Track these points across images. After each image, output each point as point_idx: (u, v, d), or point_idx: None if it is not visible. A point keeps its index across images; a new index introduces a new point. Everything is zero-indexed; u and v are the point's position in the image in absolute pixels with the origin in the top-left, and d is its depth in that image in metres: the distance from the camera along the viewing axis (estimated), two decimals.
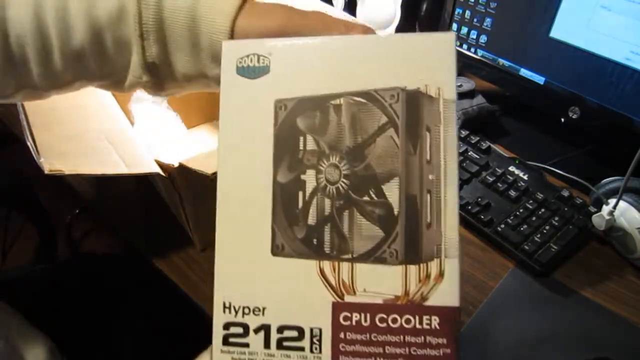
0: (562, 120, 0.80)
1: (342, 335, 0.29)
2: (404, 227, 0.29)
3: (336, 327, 0.29)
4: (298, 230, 0.30)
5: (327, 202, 0.30)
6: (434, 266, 0.29)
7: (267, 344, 0.30)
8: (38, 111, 0.55)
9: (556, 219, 0.68)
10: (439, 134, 0.29)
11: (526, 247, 0.65)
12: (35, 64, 0.36)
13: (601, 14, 0.71)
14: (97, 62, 0.37)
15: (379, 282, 0.29)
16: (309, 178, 0.30)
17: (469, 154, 0.78)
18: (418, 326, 0.29)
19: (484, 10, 0.84)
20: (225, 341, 0.31)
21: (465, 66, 0.93)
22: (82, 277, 0.75)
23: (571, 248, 0.67)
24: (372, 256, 0.29)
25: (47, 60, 0.36)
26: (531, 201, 0.71)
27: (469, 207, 0.71)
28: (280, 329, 0.30)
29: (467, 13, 0.87)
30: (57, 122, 0.56)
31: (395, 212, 0.29)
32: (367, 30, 0.32)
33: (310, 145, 0.30)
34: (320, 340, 0.30)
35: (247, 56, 0.31)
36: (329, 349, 0.29)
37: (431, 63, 0.29)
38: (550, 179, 0.78)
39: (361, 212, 0.29)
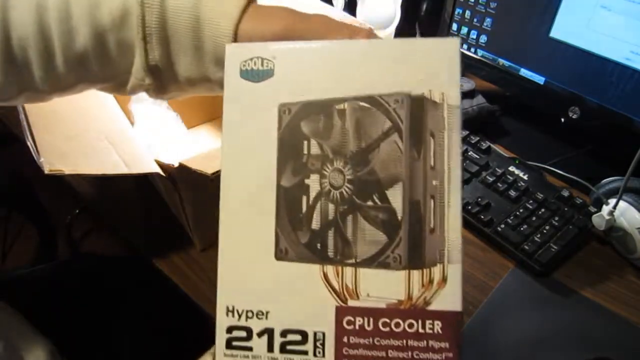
0: (562, 120, 0.80)
1: (345, 339, 0.29)
2: (407, 233, 0.29)
3: (339, 331, 0.30)
4: (302, 235, 0.30)
5: (331, 206, 0.30)
6: (437, 271, 0.29)
7: (270, 348, 0.30)
8: (38, 111, 0.55)
9: (556, 219, 0.68)
10: (442, 140, 0.29)
11: (526, 247, 0.66)
12: (38, 67, 0.36)
13: (601, 14, 0.71)
14: (100, 64, 0.37)
15: (383, 286, 0.29)
16: (313, 182, 0.30)
17: (469, 154, 0.78)
18: (421, 330, 0.29)
19: (484, 10, 0.84)
20: (229, 345, 0.31)
21: (465, 66, 0.93)
22: (82, 277, 0.75)
23: (571, 248, 0.67)
24: (376, 261, 0.29)
25: (50, 62, 0.36)
26: (531, 201, 0.71)
27: (469, 207, 0.71)
28: (284, 333, 0.30)
29: (467, 13, 0.87)
30: (57, 122, 0.56)
31: (399, 217, 0.29)
32: (371, 35, 0.32)
33: (315, 149, 0.30)
34: (323, 344, 0.30)
35: (251, 59, 0.31)
36: (332, 353, 0.30)
37: (435, 68, 0.29)
38: (550, 179, 0.78)
39: (365, 217, 0.29)
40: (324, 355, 0.30)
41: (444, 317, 0.29)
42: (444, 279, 0.29)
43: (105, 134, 0.59)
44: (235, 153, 0.31)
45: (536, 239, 0.66)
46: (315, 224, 0.30)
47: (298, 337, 0.30)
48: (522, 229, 0.68)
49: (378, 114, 0.29)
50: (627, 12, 0.68)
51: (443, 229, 0.29)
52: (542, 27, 0.77)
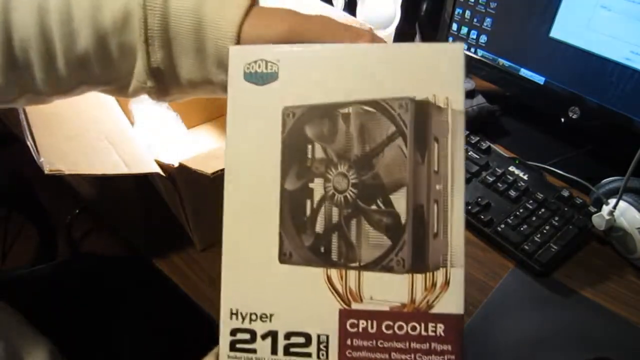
0: (562, 120, 0.80)
1: (348, 341, 0.30)
2: (411, 237, 0.29)
3: (343, 333, 0.30)
4: (306, 238, 0.30)
5: (335, 210, 0.30)
6: (440, 275, 0.29)
7: (274, 350, 0.30)
8: (38, 111, 0.55)
9: (556, 219, 0.68)
10: (446, 145, 0.29)
11: (526, 247, 0.66)
12: (39, 69, 0.36)
13: (601, 14, 0.71)
14: (101, 67, 0.36)
15: (386, 290, 0.29)
16: (317, 186, 0.30)
17: (469, 154, 0.79)
18: (423, 333, 0.29)
19: (484, 10, 0.84)
20: (232, 347, 0.31)
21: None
22: (82, 277, 0.75)
23: (571, 248, 0.67)
24: (380, 264, 0.29)
25: (51, 65, 0.36)
26: (531, 201, 0.71)
27: (469, 207, 0.71)
28: (288, 336, 0.30)
29: (467, 13, 0.87)
30: (57, 122, 0.56)
31: (403, 222, 0.29)
32: (374, 38, 0.32)
33: (319, 153, 0.30)
34: (327, 347, 0.30)
35: (255, 62, 0.31)
36: (336, 356, 0.30)
37: (440, 73, 0.29)
38: (550, 179, 0.78)
39: (369, 220, 0.29)
40: (327, 358, 0.30)
41: (446, 320, 0.29)
42: (447, 283, 0.29)
43: (105, 134, 0.59)
44: (239, 155, 0.31)
45: (536, 239, 0.67)
46: (319, 227, 0.30)
47: (302, 340, 0.30)
48: (522, 229, 0.68)
49: (382, 119, 0.29)
50: (627, 12, 0.68)
51: (446, 233, 0.29)
52: (542, 27, 0.78)
